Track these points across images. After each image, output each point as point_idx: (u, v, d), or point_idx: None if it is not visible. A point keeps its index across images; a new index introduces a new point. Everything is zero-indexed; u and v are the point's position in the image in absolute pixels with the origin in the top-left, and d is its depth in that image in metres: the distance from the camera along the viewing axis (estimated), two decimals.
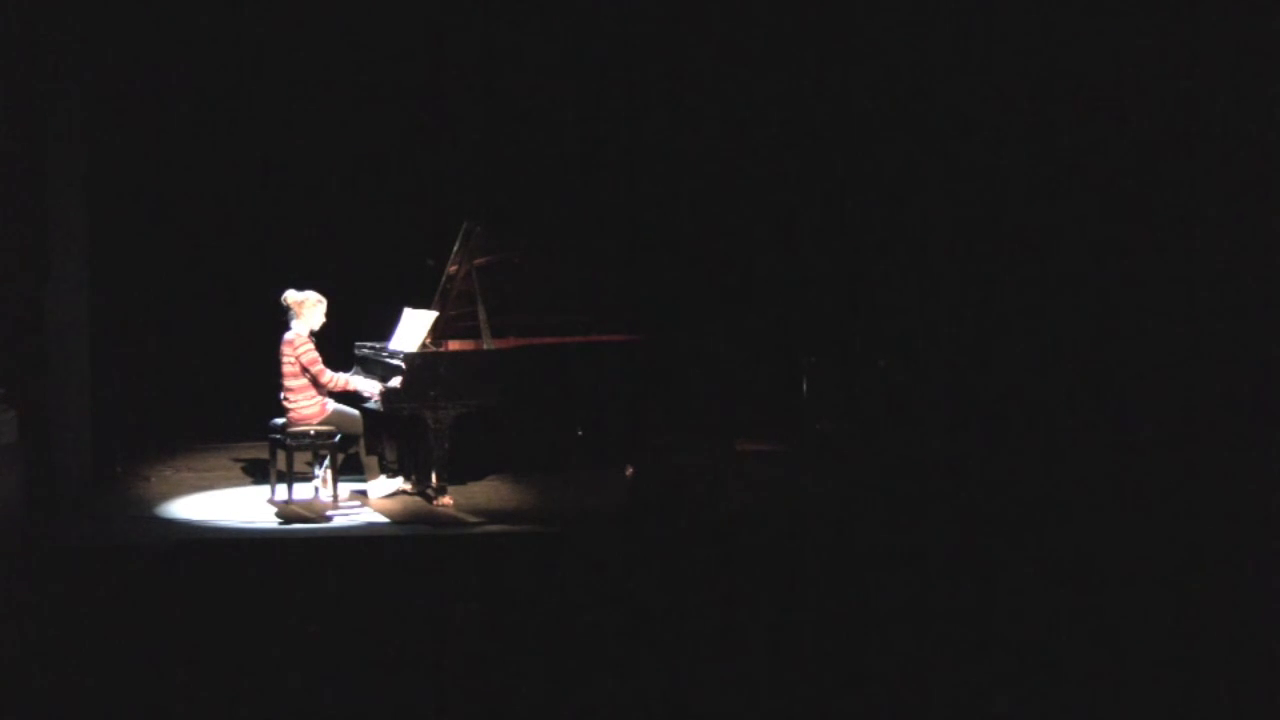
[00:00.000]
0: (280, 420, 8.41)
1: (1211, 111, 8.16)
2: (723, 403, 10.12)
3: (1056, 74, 9.02)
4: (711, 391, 10.09)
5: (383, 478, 8.74)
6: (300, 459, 8.62)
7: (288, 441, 8.38)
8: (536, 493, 9.00)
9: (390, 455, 8.97)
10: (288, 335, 8.34)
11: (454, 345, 8.87)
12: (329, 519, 8.24)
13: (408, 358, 8.35)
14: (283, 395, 8.38)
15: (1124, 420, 8.54)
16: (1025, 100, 9.22)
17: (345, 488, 8.68)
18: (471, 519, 8.19)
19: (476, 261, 8.68)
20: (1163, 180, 8.42)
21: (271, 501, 8.54)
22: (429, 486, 8.62)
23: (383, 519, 8.25)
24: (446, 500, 8.45)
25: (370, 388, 8.43)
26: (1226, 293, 8.07)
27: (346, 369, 8.79)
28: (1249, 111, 7.96)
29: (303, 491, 8.60)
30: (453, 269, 8.74)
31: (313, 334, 8.39)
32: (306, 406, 8.35)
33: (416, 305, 8.77)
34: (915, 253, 10.20)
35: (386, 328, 8.83)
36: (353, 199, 10.96)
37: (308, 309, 8.36)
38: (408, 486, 8.85)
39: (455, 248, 8.70)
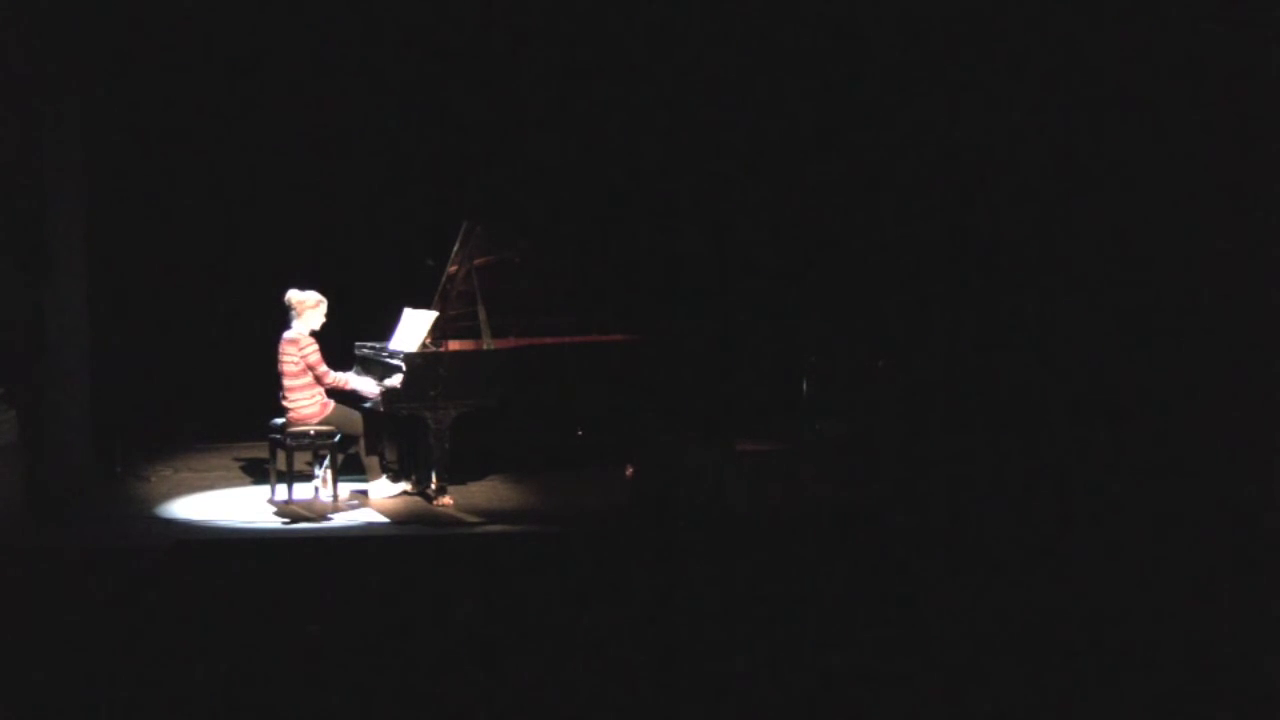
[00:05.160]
0: (280, 420, 8.41)
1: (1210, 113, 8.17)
2: (723, 402, 10.12)
3: (1054, 72, 9.02)
4: (711, 391, 10.08)
5: (384, 479, 8.74)
6: (300, 459, 8.62)
7: (288, 441, 8.38)
8: (536, 493, 9.00)
9: (390, 455, 8.98)
10: (289, 335, 8.33)
11: (454, 345, 8.87)
12: (329, 519, 8.24)
13: (408, 358, 8.35)
14: (283, 395, 8.38)
15: (1124, 419, 8.53)
16: (1023, 99, 9.22)
17: (345, 488, 8.69)
18: (471, 519, 8.19)
19: (476, 261, 8.68)
20: (1162, 179, 8.41)
21: (271, 501, 8.54)
22: (429, 486, 8.62)
23: (383, 519, 8.25)
24: (446, 500, 8.46)
25: (370, 388, 8.44)
26: (1226, 293, 8.07)
27: (346, 369, 8.79)
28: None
29: (303, 491, 8.60)
30: (453, 269, 8.74)
31: (313, 334, 8.39)
32: (306, 406, 8.35)
33: (416, 305, 8.77)
34: (916, 252, 10.19)
35: (386, 328, 8.83)
36: (353, 199, 10.96)
37: (309, 309, 8.36)
38: (409, 488, 8.85)
39: (455, 248, 8.70)
